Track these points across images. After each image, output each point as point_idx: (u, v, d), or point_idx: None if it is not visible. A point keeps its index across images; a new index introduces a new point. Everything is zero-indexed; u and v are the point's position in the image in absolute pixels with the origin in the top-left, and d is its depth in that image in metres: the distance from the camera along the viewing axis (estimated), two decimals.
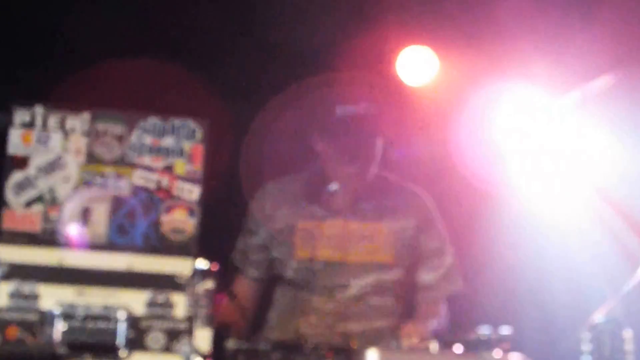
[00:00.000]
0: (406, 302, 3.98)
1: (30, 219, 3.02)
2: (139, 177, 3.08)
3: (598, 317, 3.34)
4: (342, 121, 3.89)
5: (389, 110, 3.98)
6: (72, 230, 2.98)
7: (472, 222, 4.89)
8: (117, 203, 3.06)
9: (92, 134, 3.09)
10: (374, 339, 3.60)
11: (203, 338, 2.95)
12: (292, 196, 4.03)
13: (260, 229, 4.03)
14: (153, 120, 3.11)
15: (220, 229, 3.88)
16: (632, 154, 4.51)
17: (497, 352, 3.01)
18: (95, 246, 3.00)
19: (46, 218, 3.03)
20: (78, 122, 3.09)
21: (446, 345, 3.02)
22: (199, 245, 3.04)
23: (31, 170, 3.06)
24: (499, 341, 3.03)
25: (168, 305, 2.96)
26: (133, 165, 3.08)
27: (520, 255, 4.92)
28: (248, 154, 4.67)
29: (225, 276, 3.10)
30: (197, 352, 2.92)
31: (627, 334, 3.33)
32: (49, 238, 3.01)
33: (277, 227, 4.00)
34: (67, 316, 2.93)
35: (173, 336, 2.94)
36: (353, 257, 3.94)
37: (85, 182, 3.06)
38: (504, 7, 4.63)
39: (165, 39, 4.73)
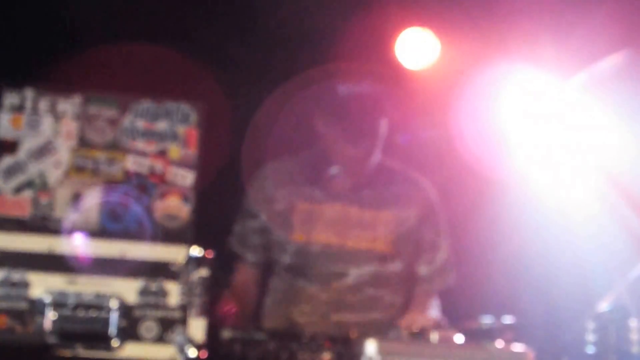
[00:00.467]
0: (404, 295, 3.92)
1: (19, 205, 3.00)
2: (132, 162, 3.06)
3: (603, 306, 3.30)
4: (345, 101, 3.81)
5: (391, 92, 3.91)
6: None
7: (475, 209, 4.85)
8: (109, 188, 3.02)
9: (84, 118, 3.06)
10: (368, 330, 3.54)
11: (197, 327, 2.91)
12: (293, 176, 3.96)
13: (260, 211, 3.96)
14: (146, 104, 3.08)
15: (215, 215, 3.82)
16: None
17: (499, 342, 2.96)
18: (86, 233, 2.96)
19: (36, 204, 3.01)
20: (69, 105, 3.06)
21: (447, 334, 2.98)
22: (194, 232, 2.99)
23: (21, 154, 3.04)
24: (501, 331, 3.00)
25: (161, 293, 2.93)
26: (126, 150, 3.06)
27: (523, 243, 4.87)
28: (250, 138, 4.62)
29: (220, 263, 3.04)
30: (191, 342, 2.88)
31: (633, 323, 3.28)
32: (39, 224, 2.98)
33: (277, 208, 3.93)
34: (58, 305, 2.89)
35: (167, 325, 2.91)
36: (351, 244, 3.88)
37: (76, 167, 3.03)
38: None
39: (162, 21, 4.68)
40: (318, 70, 3.99)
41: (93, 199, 3.02)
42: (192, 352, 2.86)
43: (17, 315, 2.86)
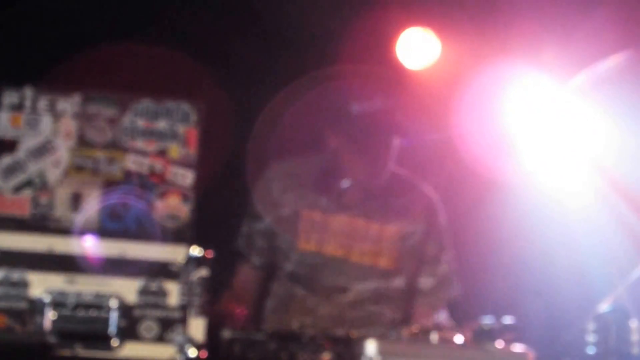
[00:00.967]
0: (406, 311, 3.90)
1: (19, 204, 2.98)
2: (132, 162, 3.04)
3: (604, 306, 3.29)
4: (358, 120, 3.79)
5: (401, 103, 3.89)
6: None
7: (475, 211, 4.84)
8: (109, 188, 3.01)
9: (83, 117, 3.05)
10: None
11: (197, 327, 2.90)
12: (300, 180, 3.93)
13: (266, 214, 3.93)
14: (146, 103, 3.07)
15: (215, 215, 3.82)
16: None
17: (499, 343, 2.95)
18: (86, 232, 2.94)
19: (36, 203, 2.99)
20: (69, 104, 3.05)
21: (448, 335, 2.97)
22: (193, 232, 2.98)
23: (20, 154, 3.02)
24: (502, 331, 2.98)
25: (161, 293, 2.92)
26: (125, 149, 3.04)
27: (524, 244, 4.87)
28: (255, 138, 4.60)
29: (220, 264, 3.03)
30: (191, 342, 2.86)
31: (634, 324, 3.28)
32: (38, 224, 2.96)
33: (282, 213, 3.90)
34: (58, 304, 2.87)
35: (166, 325, 2.90)
36: (355, 258, 3.86)
37: (76, 166, 3.02)
38: None
39: (162, 21, 4.68)
40: (326, 78, 3.97)
41: (94, 200, 3.00)
42: (192, 352, 2.85)
43: (16, 315, 2.85)
